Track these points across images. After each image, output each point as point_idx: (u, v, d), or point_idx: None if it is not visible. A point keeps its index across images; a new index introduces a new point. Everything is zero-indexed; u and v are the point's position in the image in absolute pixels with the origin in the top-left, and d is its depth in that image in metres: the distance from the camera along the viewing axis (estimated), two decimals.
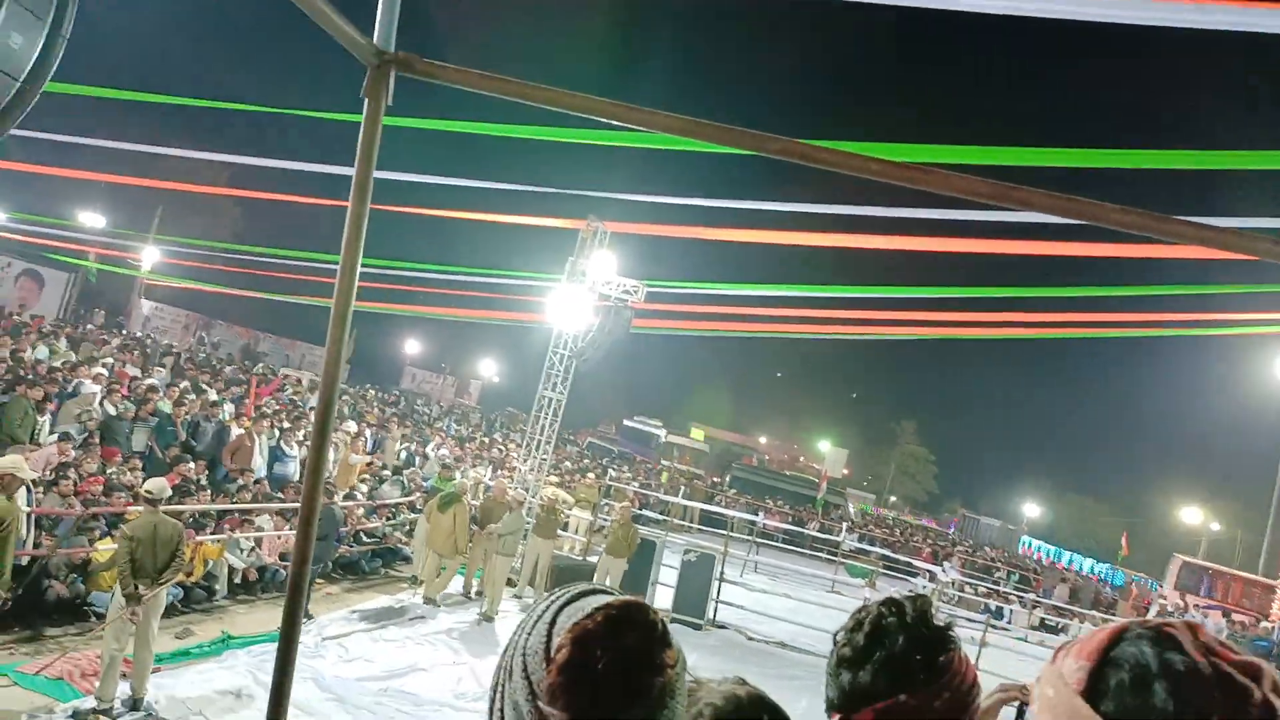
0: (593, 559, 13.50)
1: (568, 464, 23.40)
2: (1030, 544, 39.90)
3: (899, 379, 69.34)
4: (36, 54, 3.88)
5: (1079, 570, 32.50)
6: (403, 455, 16.95)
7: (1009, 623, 19.01)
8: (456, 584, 11.76)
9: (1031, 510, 51.45)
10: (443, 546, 10.85)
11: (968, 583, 20.80)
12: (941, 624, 1.38)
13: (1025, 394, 69.16)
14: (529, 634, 0.94)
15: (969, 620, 16.16)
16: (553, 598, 0.98)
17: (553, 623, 0.93)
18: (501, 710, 0.92)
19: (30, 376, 11.27)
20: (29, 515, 7.56)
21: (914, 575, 20.63)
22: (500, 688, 0.94)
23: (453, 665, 8.71)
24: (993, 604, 19.67)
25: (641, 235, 15.18)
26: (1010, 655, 13.90)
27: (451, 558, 11.04)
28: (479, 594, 11.51)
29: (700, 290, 17.47)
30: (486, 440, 23.55)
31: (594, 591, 0.99)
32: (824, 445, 53.04)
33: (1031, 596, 20.94)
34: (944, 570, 19.92)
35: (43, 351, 14.65)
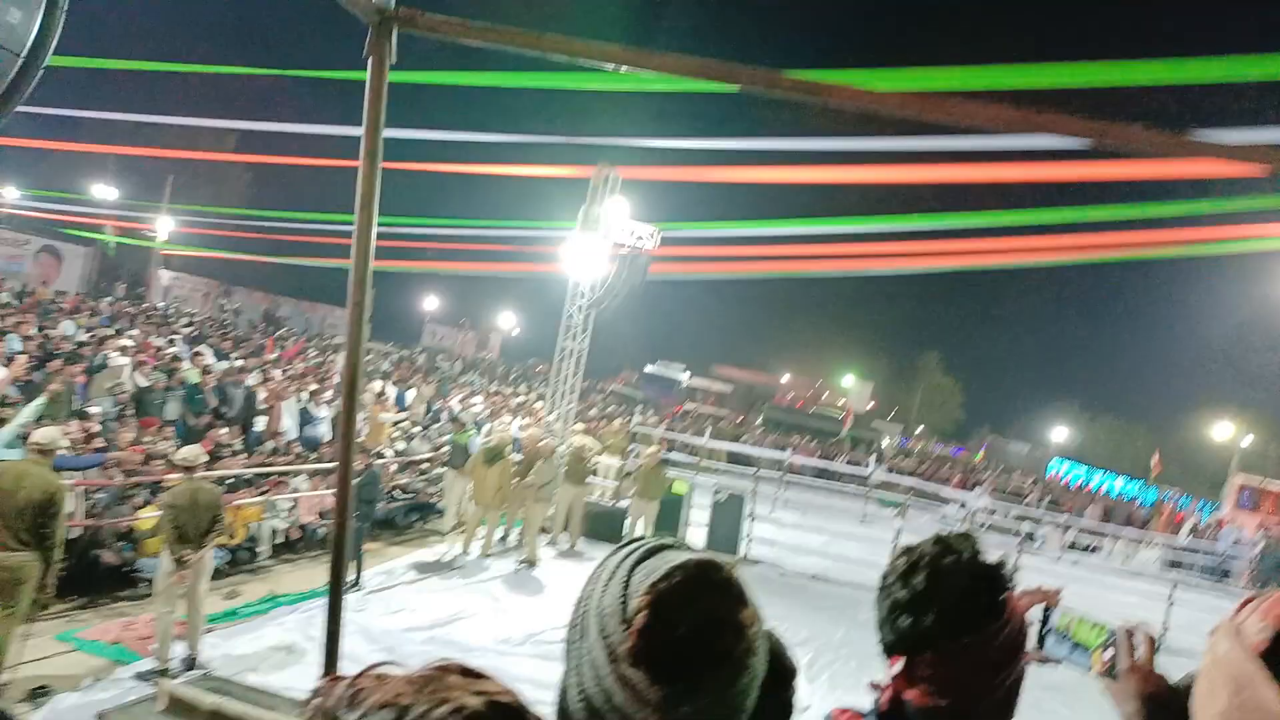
0: (623, 503, 13.68)
1: (592, 412, 23.54)
2: (1060, 467, 39.85)
3: (921, 309, 68.87)
4: (37, 28, 3.84)
5: (1110, 491, 32.49)
6: (426, 411, 17.11)
7: (1041, 546, 19.11)
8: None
9: (1060, 433, 51.18)
10: (490, 500, 11.02)
11: (998, 509, 20.86)
12: (996, 561, 1.38)
13: (1050, 318, 68.59)
14: (603, 593, 0.93)
15: (1001, 545, 16.27)
16: (624, 555, 0.97)
17: (627, 582, 0.91)
18: (579, 669, 0.92)
19: (60, 352, 11.43)
20: (76, 488, 7.74)
21: (944, 503, 20.74)
22: (574, 644, 0.94)
23: (495, 613, 8.91)
24: (1025, 527, 19.74)
25: (654, 180, 14.99)
26: (1044, 578, 13.96)
27: (496, 509, 11.22)
28: (519, 544, 11.73)
29: (715, 231, 17.31)
30: (507, 391, 23.72)
31: (665, 547, 0.97)
32: (848, 380, 52.94)
33: (1064, 518, 20.98)
34: (974, 497, 20.01)
35: (69, 327, 14.84)
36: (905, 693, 1.36)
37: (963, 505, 19.88)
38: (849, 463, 26.18)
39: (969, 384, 60.89)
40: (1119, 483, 34.50)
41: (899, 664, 1.36)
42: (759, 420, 36.23)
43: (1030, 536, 19.36)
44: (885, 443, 37.36)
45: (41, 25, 4.19)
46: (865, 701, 1.49)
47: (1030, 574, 13.16)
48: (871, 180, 13.05)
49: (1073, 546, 19.95)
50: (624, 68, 2.57)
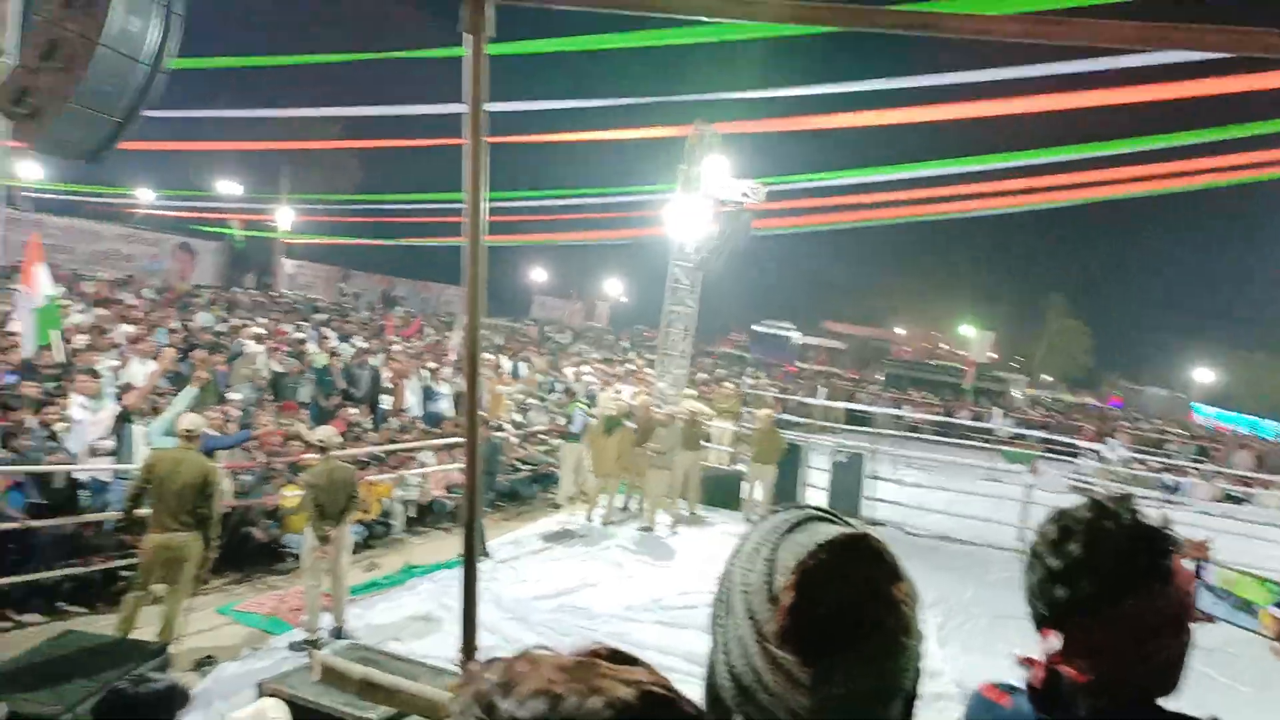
0: (739, 467, 13.64)
1: (702, 376, 23.49)
2: (1204, 412, 37.42)
3: (1043, 249, 65.42)
4: (158, 36, 4.02)
5: (1262, 436, 30.31)
6: (541, 383, 17.44)
7: (1188, 497, 18.02)
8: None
9: (1203, 375, 47.82)
10: (610, 469, 11.19)
11: (1137, 459, 19.77)
12: (1158, 522, 1.28)
13: (1189, 250, 63.82)
14: (747, 569, 0.90)
15: (1143, 498, 15.41)
16: (769, 528, 0.93)
17: (772, 559, 0.88)
18: (726, 645, 0.89)
19: (203, 343, 12.18)
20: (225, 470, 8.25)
21: (1077, 456, 19.80)
22: (720, 620, 0.91)
23: (619, 580, 9.06)
24: (1168, 478, 18.64)
25: (756, 132, 14.67)
26: (1194, 531, 13.22)
27: (616, 478, 11.39)
28: (640, 512, 11.90)
29: (820, 182, 16.86)
30: (616, 359, 23.93)
31: (811, 519, 0.93)
32: (967, 330, 50.97)
33: (1211, 467, 19.69)
34: (1110, 448, 19.01)
35: (207, 318, 15.81)
36: (1061, 668, 1.27)
37: (1099, 457, 18.91)
38: (972, 417, 25.29)
39: (1098, 327, 57.61)
40: (1273, 426, 32.10)
41: (1053, 637, 1.28)
42: (881, 376, 35.25)
43: (1175, 488, 18.28)
44: (1018, 394, 35.83)
45: (162, 32, 4.40)
46: (1008, 673, 1.41)
47: (1177, 528, 12.43)
48: (985, 115, 12.36)
49: (1224, 498, 18.74)
50: (718, 18, 2.46)
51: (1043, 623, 1.30)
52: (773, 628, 0.84)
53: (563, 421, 13.91)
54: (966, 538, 12.11)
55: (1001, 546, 11.56)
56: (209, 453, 7.36)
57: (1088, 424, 26.98)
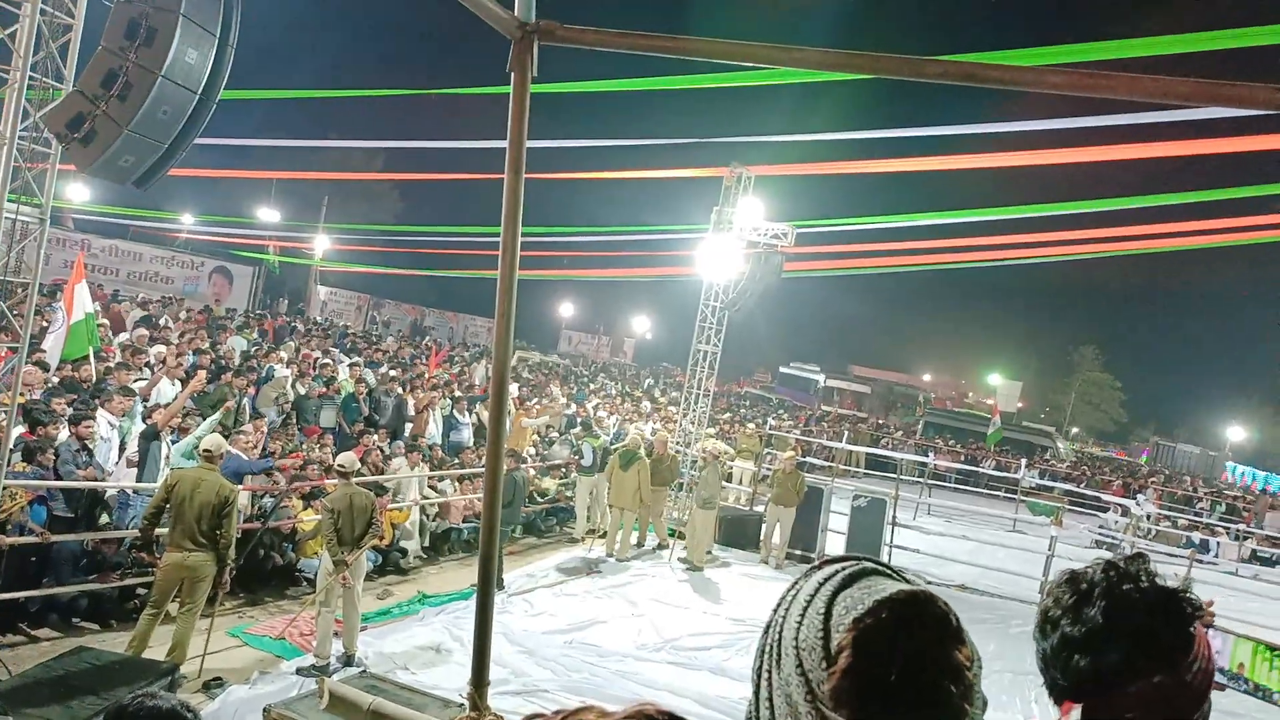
0: (758, 509, 13.51)
1: (726, 415, 23.37)
2: (1236, 471, 36.56)
3: (1076, 299, 64.89)
4: (210, 66, 4.13)
5: None
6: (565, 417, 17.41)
7: (1216, 557, 17.59)
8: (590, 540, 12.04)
9: (1236, 433, 46.81)
10: (628, 503, 11.17)
11: (1166, 515, 19.36)
12: (1180, 587, 1.23)
13: (1219, 305, 63.01)
14: (799, 623, 0.86)
15: (1169, 555, 15.08)
16: (822, 579, 0.89)
17: (827, 613, 0.84)
18: (770, 699, 0.86)
19: (232, 366, 12.31)
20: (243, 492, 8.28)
21: (1104, 510, 19.44)
22: (766, 673, 0.87)
23: (631, 618, 8.95)
24: (1196, 537, 18.24)
25: (791, 175, 14.74)
26: (1220, 591, 12.87)
27: (634, 511, 11.35)
28: (655, 548, 11.78)
29: (852, 226, 16.87)
30: (638, 395, 23.88)
31: (866, 573, 0.89)
32: (994, 378, 50.46)
33: (1241, 527, 19.25)
34: (1138, 503, 18.64)
35: (239, 342, 15.97)
36: None
37: (1124, 513, 18.56)
38: (996, 467, 24.95)
39: (1130, 381, 56.75)
40: None
41: (1073, 711, 1.22)
42: (919, 425, 34.84)
43: (1204, 547, 17.86)
44: (1061, 446, 35.23)
45: (214, 63, 4.52)
46: None
47: (1204, 589, 12.12)
48: (1019, 164, 12.36)
49: (1253, 556, 18.28)
50: (765, 65, 2.50)
51: (1060, 693, 1.25)
52: (827, 687, 0.80)
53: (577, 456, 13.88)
54: (988, 589, 11.89)
55: (1024, 599, 11.34)
56: (235, 476, 7.41)
57: (1115, 478, 26.50)
